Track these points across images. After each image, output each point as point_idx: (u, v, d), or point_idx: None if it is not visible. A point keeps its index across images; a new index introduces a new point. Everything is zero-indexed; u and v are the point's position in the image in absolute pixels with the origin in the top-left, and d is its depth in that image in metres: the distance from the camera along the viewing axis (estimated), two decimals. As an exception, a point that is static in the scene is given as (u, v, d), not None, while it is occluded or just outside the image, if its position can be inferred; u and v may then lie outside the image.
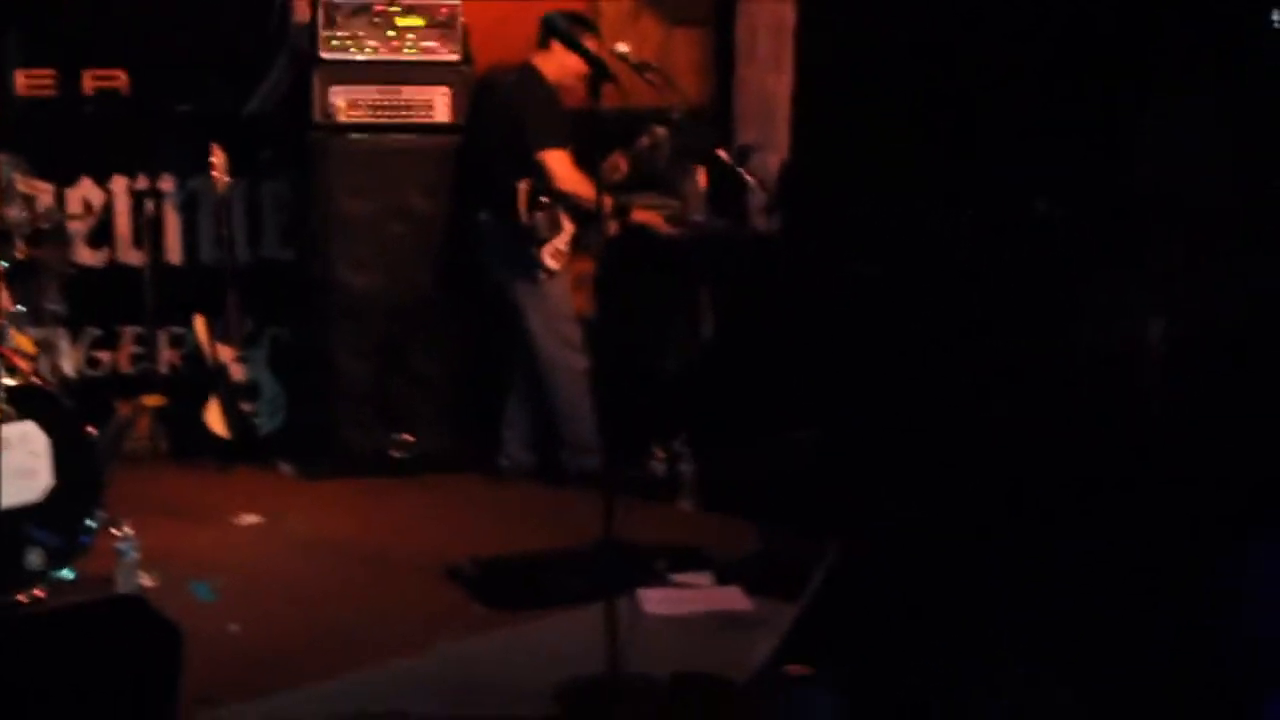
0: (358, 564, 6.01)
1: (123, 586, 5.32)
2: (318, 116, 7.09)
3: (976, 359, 6.25)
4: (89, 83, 7.49)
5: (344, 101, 7.11)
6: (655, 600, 5.34)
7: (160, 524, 6.14)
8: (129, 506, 5.83)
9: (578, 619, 5.03)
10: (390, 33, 7.17)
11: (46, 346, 6.37)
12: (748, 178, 6.39)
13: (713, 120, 7.57)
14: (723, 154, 6.27)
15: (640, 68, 6.64)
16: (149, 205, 7.56)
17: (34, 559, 5.31)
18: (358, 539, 6.33)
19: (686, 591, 5.47)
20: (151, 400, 7.46)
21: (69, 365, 6.54)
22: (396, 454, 7.19)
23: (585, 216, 6.93)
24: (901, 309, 6.44)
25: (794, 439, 6.39)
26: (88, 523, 5.45)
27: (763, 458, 6.48)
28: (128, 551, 5.37)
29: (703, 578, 5.59)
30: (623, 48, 6.63)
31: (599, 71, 4.79)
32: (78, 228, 7.47)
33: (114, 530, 5.49)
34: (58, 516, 5.39)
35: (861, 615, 4.22)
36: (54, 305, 6.62)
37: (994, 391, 6.14)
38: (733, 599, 5.42)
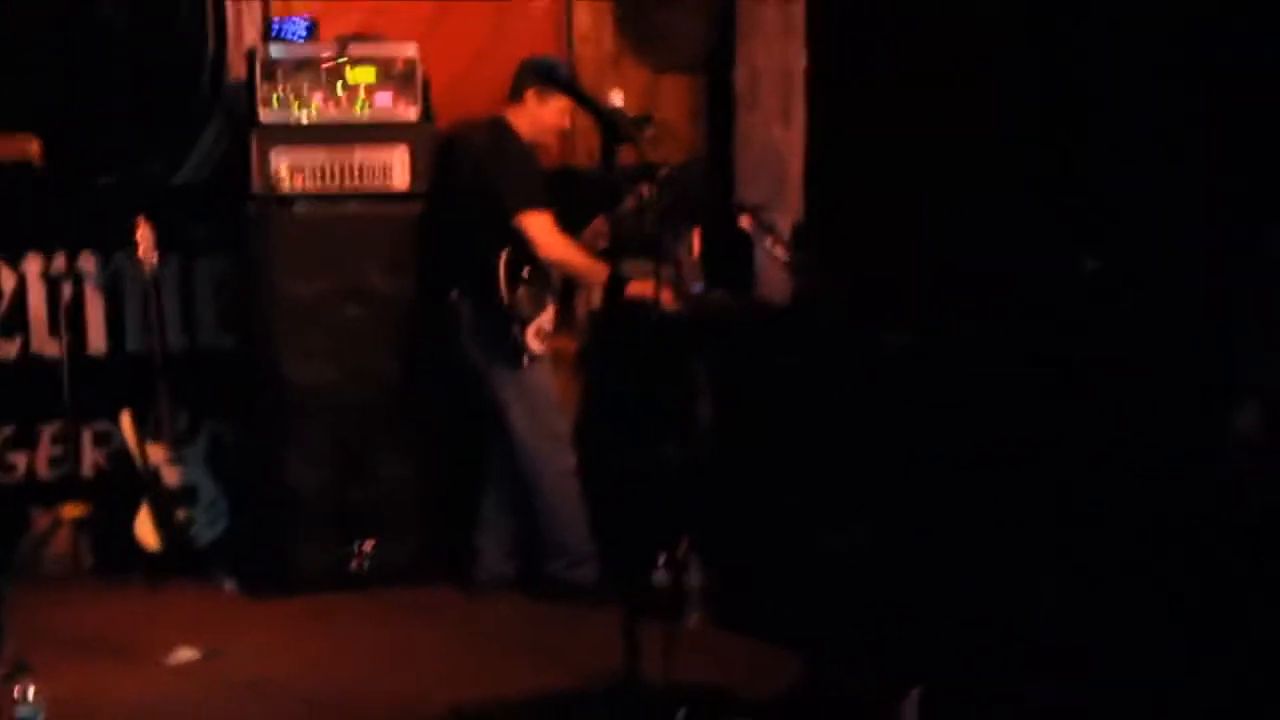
0: (311, 714, 5.14)
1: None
2: (257, 186, 6.29)
3: (1030, 440, 5.41)
4: (-3, 151, 6.64)
5: (287, 168, 6.30)
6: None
7: (77, 666, 5.41)
8: (39, 643, 5.26)
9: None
10: (339, 88, 6.37)
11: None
12: (768, 241, 5.50)
13: (709, 178, 6.74)
14: (746, 220, 5.38)
15: (639, 122, 5.83)
16: (67, 288, 6.78)
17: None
18: (311, 679, 5.45)
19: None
20: (72, 510, 6.63)
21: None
22: (355, 566, 6.29)
23: (571, 290, 6.10)
24: (940, 384, 5.61)
25: (824, 544, 5.54)
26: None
27: (785, 567, 5.62)
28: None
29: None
30: (618, 99, 5.83)
31: (612, 131, 3.98)
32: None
33: (14, 692, 4.54)
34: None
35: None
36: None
37: (1058, 482, 5.30)
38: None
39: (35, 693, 4.61)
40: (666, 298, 6.15)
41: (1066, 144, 5.54)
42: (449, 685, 5.21)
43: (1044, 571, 5.33)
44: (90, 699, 5.14)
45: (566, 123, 6.20)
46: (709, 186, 6.57)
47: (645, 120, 5.90)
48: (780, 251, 5.38)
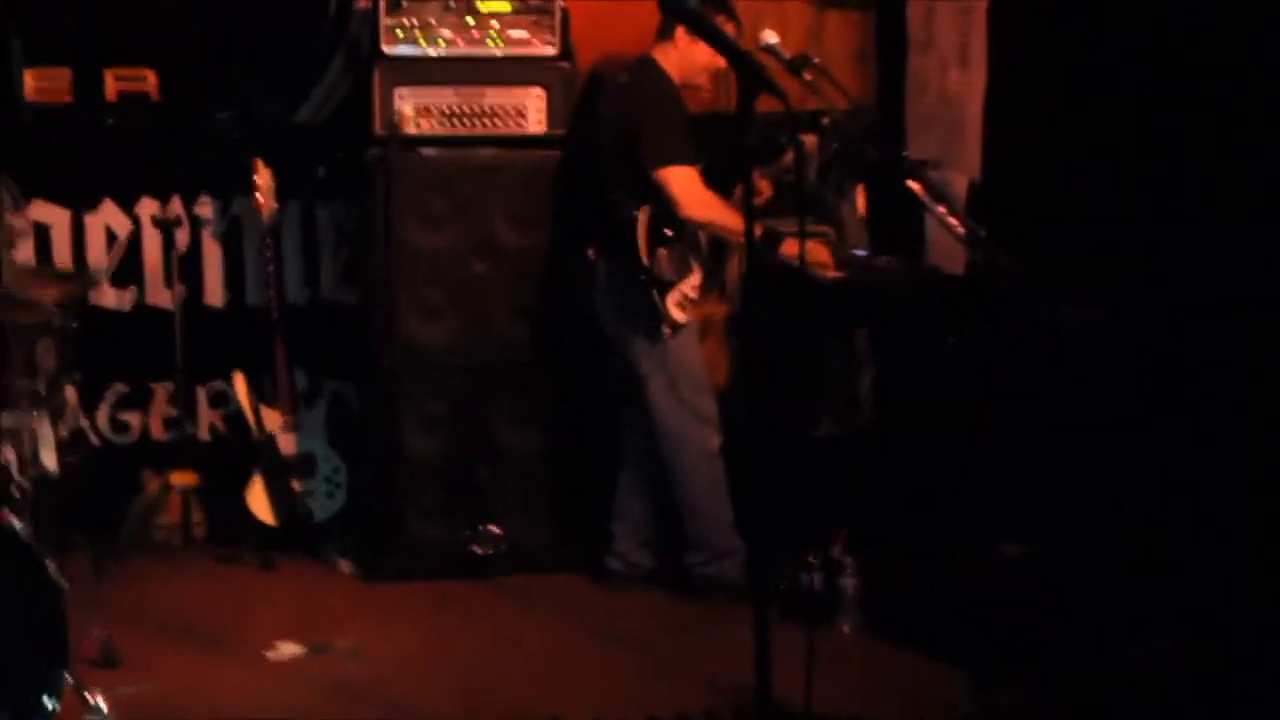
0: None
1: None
2: (380, 127, 5.75)
3: (1234, 435, 4.70)
4: (112, 85, 6.25)
5: (412, 108, 5.78)
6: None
7: (171, 655, 5.04)
8: (136, 625, 5.06)
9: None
10: (470, 20, 5.85)
11: (15, 437, 4.93)
12: (941, 210, 4.78)
13: (876, 128, 6.04)
14: (917, 185, 4.66)
15: (795, 65, 5.17)
16: (183, 235, 6.32)
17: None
18: (415, 683, 4.93)
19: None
20: (182, 478, 6.16)
21: (48, 458, 5.12)
22: (479, 550, 5.76)
23: (722, 251, 5.47)
24: (1133, 368, 4.89)
25: (1000, 550, 4.87)
26: (45, 701, 4.01)
27: (953, 572, 4.97)
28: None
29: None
30: (771, 37, 5.19)
31: (753, 78, 3.34)
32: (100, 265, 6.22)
33: (87, 698, 4.10)
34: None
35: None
36: (24, 381, 5.18)
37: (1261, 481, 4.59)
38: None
39: (107, 702, 4.20)
40: (827, 261, 5.51)
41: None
42: (565, 694, 4.72)
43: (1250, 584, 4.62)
44: (178, 697, 4.71)
45: (722, 63, 5.55)
46: (877, 138, 5.86)
47: (803, 61, 5.21)
48: (954, 223, 4.66)
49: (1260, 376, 4.66)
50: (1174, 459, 4.81)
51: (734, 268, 6.14)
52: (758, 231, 5.36)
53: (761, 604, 3.69)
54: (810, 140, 5.55)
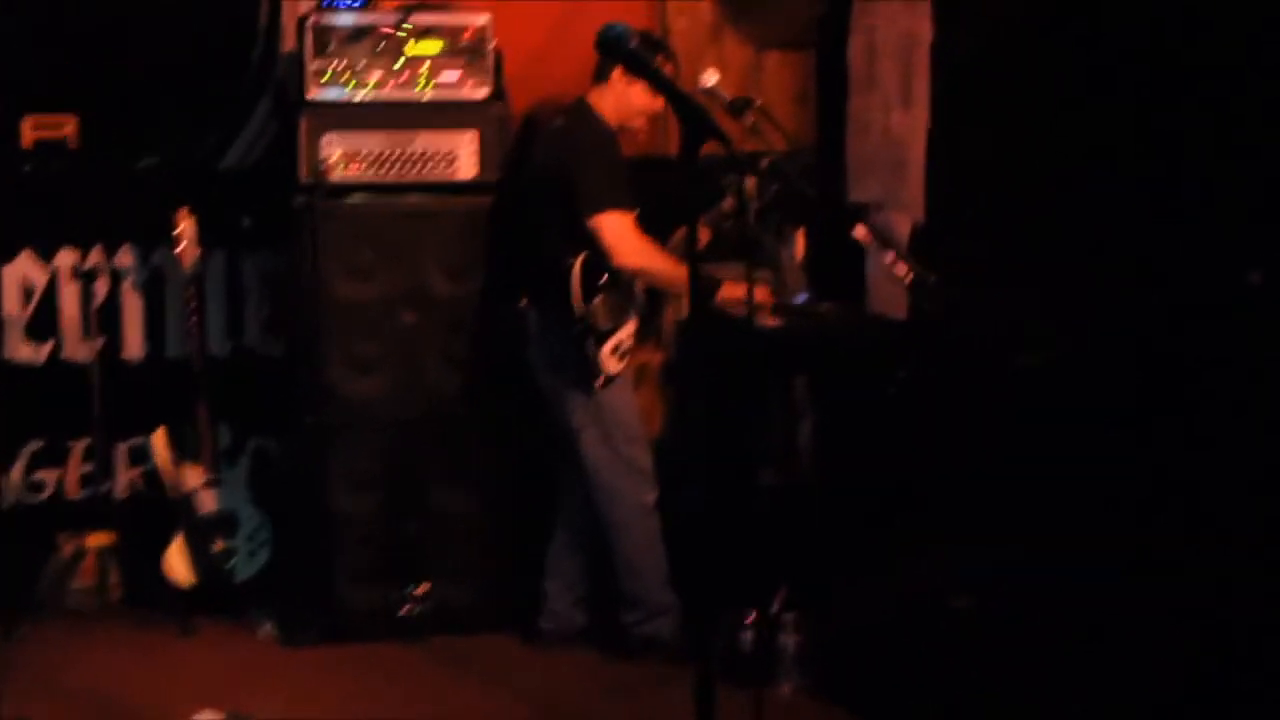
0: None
1: None
2: (306, 174, 5.56)
3: (1190, 478, 4.55)
4: (29, 133, 6.04)
5: (340, 154, 5.57)
6: None
7: None
8: (50, 693, 4.90)
9: None
10: (399, 63, 5.64)
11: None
12: (888, 259, 4.62)
13: (817, 170, 5.90)
14: (862, 231, 4.48)
15: (737, 107, 5.02)
16: (102, 286, 6.13)
17: None
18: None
19: None
20: (98, 539, 5.96)
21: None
22: (409, 611, 5.54)
23: (658, 298, 5.33)
24: (1080, 411, 4.74)
25: (948, 603, 4.70)
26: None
27: (900, 629, 4.79)
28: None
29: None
30: (711, 78, 5.05)
31: (698, 124, 3.19)
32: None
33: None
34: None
35: None
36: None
37: (1218, 531, 4.44)
38: None
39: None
40: (767, 305, 5.34)
41: (1241, 141, 4.63)
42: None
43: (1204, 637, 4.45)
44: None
45: (660, 105, 5.41)
46: (817, 181, 5.71)
47: (744, 104, 5.07)
48: (902, 270, 4.50)
49: (1215, 418, 4.54)
50: (1128, 501, 4.65)
51: (669, 315, 5.98)
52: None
53: (704, 664, 3.49)
54: (750, 184, 5.39)
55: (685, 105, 3.50)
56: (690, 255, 3.56)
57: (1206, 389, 4.69)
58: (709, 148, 3.46)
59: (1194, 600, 4.46)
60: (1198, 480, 4.60)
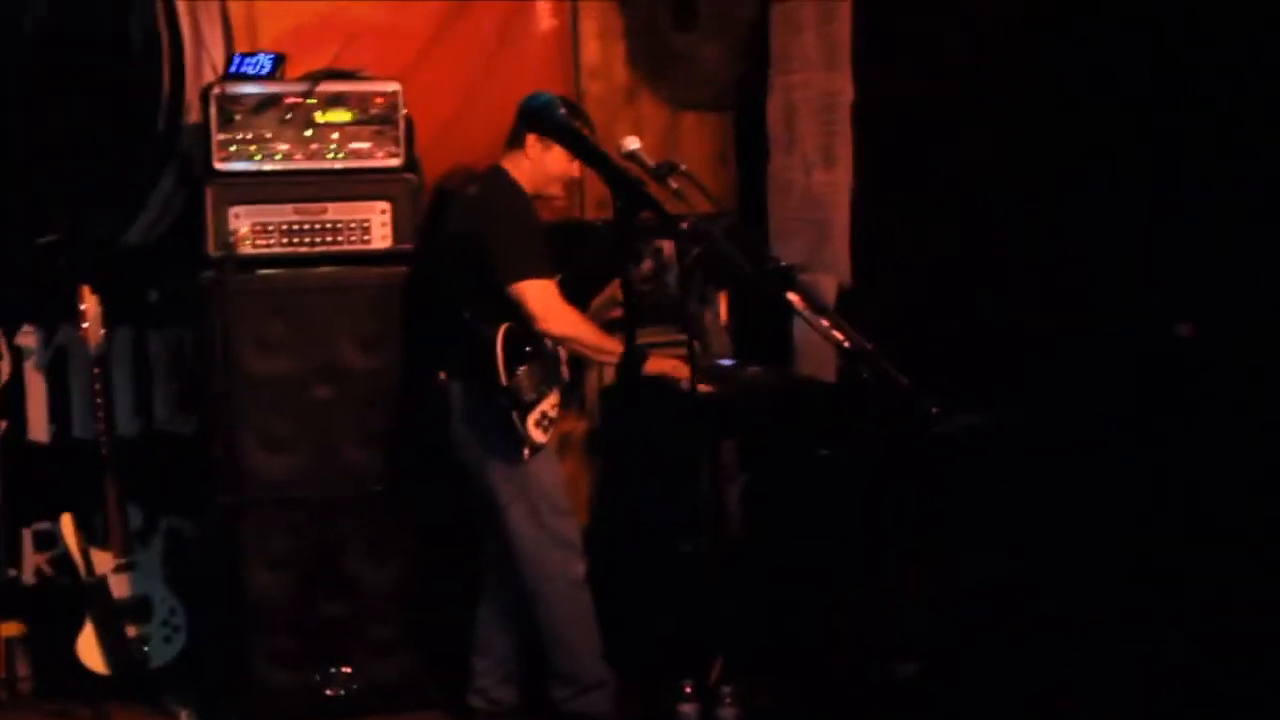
0: None
1: None
2: (214, 248, 5.42)
3: (1121, 538, 4.54)
4: (-79, 209, 5.86)
5: (248, 226, 5.46)
6: None
7: None
8: None
9: None
10: (308, 132, 5.54)
11: None
12: (824, 324, 4.54)
13: (739, 232, 5.84)
14: (797, 299, 4.40)
15: (661, 171, 4.92)
16: (3, 367, 5.97)
17: None
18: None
19: None
20: (6, 629, 5.80)
21: None
22: (331, 693, 5.39)
23: (580, 365, 5.24)
24: (1013, 473, 4.72)
25: (888, 671, 4.63)
26: None
27: (840, 698, 4.72)
28: None
29: None
30: (633, 143, 4.95)
31: (631, 195, 3.11)
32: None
33: None
34: None
35: None
36: None
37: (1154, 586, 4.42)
38: None
39: None
40: (691, 375, 5.23)
41: (1164, 193, 4.64)
42: None
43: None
44: None
45: (576, 171, 5.33)
46: (739, 243, 5.66)
47: (669, 168, 4.99)
48: (839, 336, 4.42)
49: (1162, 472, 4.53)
50: (1064, 560, 4.62)
51: (592, 381, 5.89)
52: (619, 352, 5.13)
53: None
54: (669, 248, 5.34)
55: (617, 176, 3.44)
56: (629, 325, 3.48)
57: (1152, 447, 4.70)
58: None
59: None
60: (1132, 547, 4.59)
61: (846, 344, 4.23)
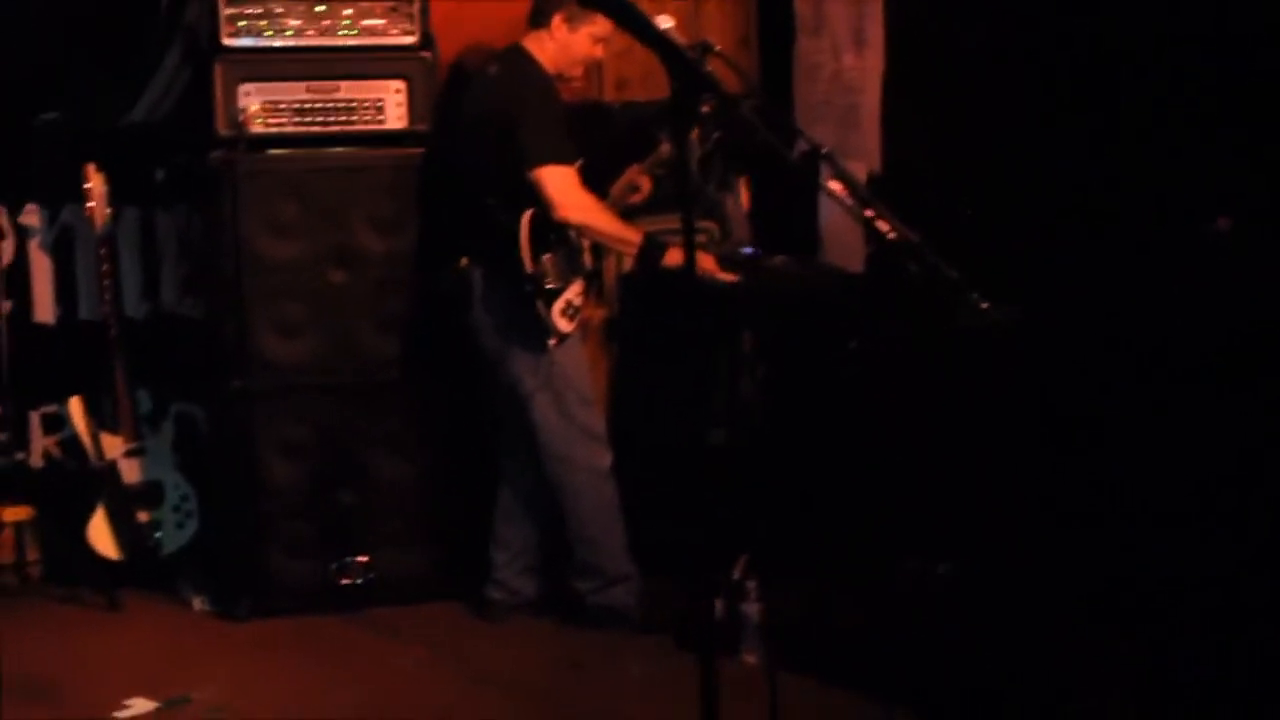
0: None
1: None
2: (223, 127, 5.28)
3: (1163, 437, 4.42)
4: (-72, 87, 5.69)
5: (259, 105, 5.29)
6: None
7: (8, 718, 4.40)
8: None
9: None
10: (320, 8, 5.39)
11: None
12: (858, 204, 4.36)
13: (766, 115, 5.67)
14: (839, 187, 4.22)
15: (699, 52, 4.73)
16: (7, 247, 5.82)
17: None
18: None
19: None
20: (15, 513, 5.68)
21: None
22: (348, 582, 5.31)
23: (599, 253, 5.15)
24: (1049, 367, 4.61)
25: (909, 569, 4.54)
26: None
27: (860, 595, 4.64)
28: None
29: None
30: (665, 23, 4.73)
31: (690, 75, 2.99)
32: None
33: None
34: None
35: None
36: None
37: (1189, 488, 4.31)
38: None
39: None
40: (711, 265, 5.09)
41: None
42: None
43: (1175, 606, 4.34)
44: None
45: (600, 53, 5.17)
46: (763, 126, 5.51)
47: (703, 49, 4.81)
48: (886, 227, 4.25)
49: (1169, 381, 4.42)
50: (1098, 464, 4.51)
51: (611, 269, 5.76)
52: (638, 242, 5.00)
53: (704, 634, 3.39)
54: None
55: (674, 53, 3.29)
56: (687, 214, 3.36)
57: (1181, 349, 4.57)
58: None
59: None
60: (1169, 446, 4.48)
61: (892, 235, 4.07)
